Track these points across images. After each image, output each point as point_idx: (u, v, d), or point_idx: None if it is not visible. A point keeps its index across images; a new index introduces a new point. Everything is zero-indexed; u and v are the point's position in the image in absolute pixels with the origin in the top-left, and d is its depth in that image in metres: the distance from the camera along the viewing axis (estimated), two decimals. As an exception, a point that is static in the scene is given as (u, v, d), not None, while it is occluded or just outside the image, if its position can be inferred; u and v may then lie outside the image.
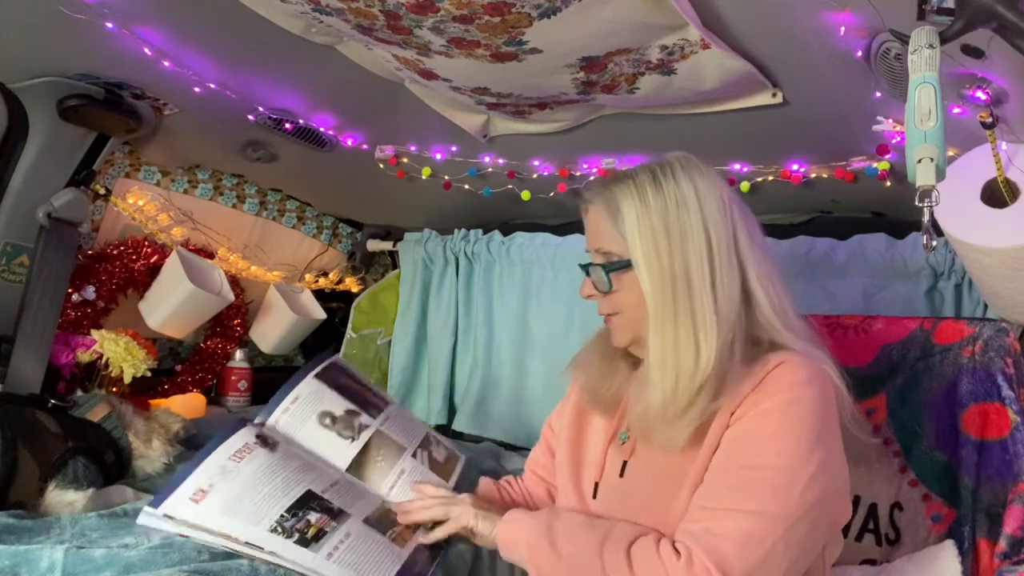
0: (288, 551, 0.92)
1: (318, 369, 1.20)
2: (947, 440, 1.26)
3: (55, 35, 1.37)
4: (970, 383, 1.26)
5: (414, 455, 1.18)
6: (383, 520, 1.03)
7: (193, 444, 1.84)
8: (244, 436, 1.05)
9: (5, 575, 0.99)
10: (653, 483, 0.99)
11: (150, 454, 1.62)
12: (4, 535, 1.12)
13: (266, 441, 1.05)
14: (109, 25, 1.31)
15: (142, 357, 1.81)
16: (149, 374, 1.84)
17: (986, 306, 1.55)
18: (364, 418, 1.17)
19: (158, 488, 1.57)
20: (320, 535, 0.94)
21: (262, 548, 0.92)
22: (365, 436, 1.14)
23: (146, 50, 1.40)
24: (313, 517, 0.96)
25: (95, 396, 1.64)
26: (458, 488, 1.20)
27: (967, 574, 1.15)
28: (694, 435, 0.93)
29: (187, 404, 2.04)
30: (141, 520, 0.97)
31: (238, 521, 0.94)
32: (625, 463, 1.03)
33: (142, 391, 1.97)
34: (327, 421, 1.13)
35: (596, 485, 1.06)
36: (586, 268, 1.05)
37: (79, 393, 1.69)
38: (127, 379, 1.80)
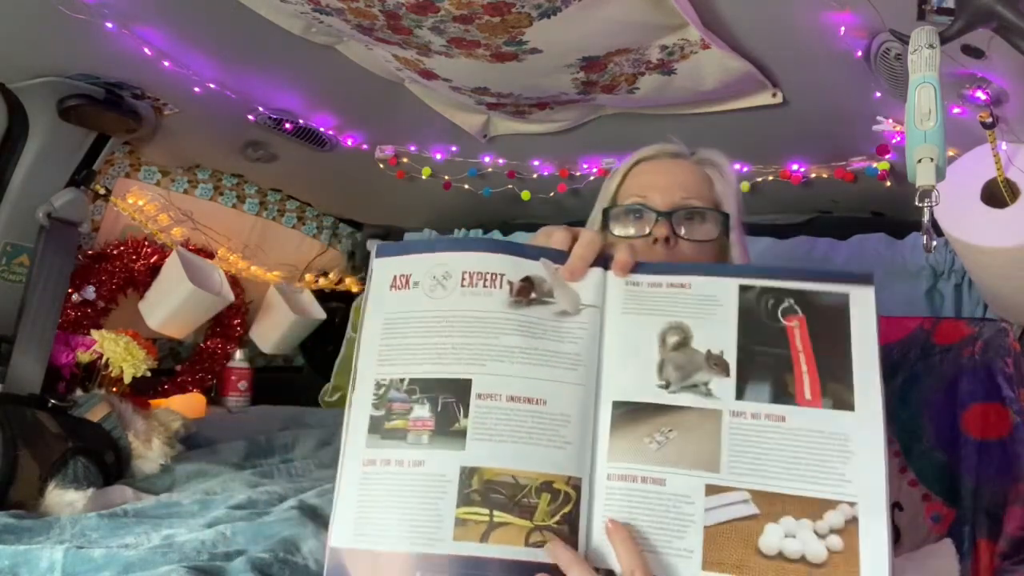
0: (354, 417, 0.66)
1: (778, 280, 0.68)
2: (947, 440, 1.26)
3: (55, 35, 1.36)
4: (970, 383, 1.26)
5: (722, 491, 0.61)
6: (490, 490, 0.62)
7: (193, 444, 1.84)
8: (512, 264, 0.68)
9: (5, 575, 0.99)
10: None
11: (150, 454, 1.62)
12: (4, 535, 1.12)
13: (528, 291, 0.68)
14: (109, 25, 1.31)
15: (142, 357, 1.81)
16: (149, 374, 1.84)
17: (986, 306, 1.55)
18: (723, 384, 0.65)
19: (158, 488, 1.58)
20: (392, 435, 0.64)
21: (355, 390, 0.66)
22: (685, 400, 0.64)
23: (146, 50, 1.40)
24: (419, 412, 0.64)
25: (95, 396, 1.64)
26: None
27: (967, 574, 1.15)
28: None
29: (187, 404, 2.04)
30: (373, 251, 0.72)
31: (371, 338, 0.68)
32: None
33: (142, 391, 1.97)
34: (673, 339, 0.67)
35: None
36: (684, 213, 0.95)
37: (79, 393, 1.69)
38: (127, 379, 1.80)
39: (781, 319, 0.67)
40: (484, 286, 0.67)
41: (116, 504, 1.40)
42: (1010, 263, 1.16)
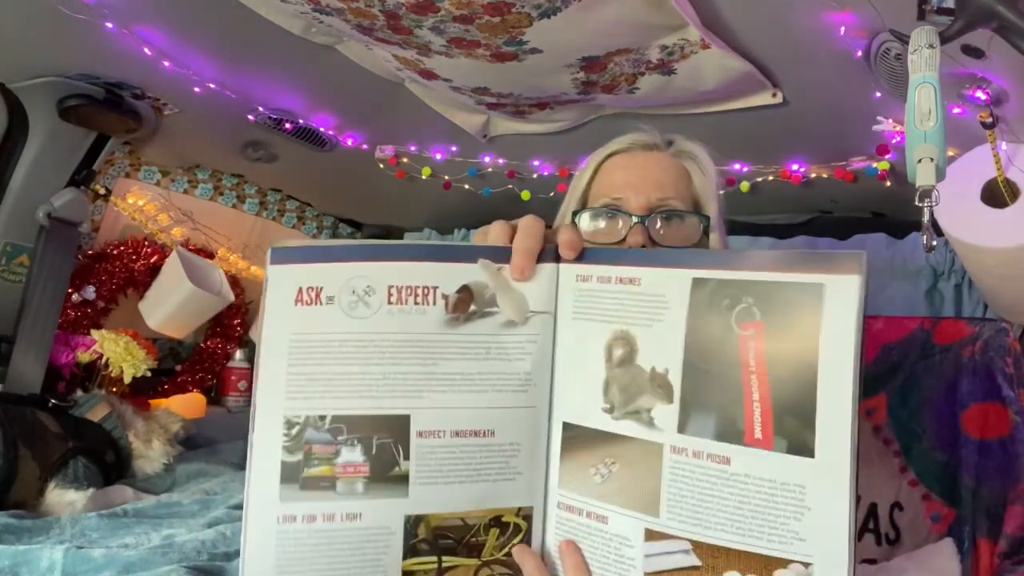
0: (258, 464, 0.55)
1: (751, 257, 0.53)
2: (947, 440, 1.26)
3: (55, 35, 1.36)
4: (970, 383, 1.25)
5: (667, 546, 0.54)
6: (439, 537, 0.56)
7: (193, 444, 1.84)
8: (445, 273, 0.59)
9: (5, 575, 1.00)
10: None
11: (150, 454, 1.62)
12: (4, 535, 1.12)
13: (467, 304, 0.59)
14: (109, 25, 1.31)
15: (142, 357, 1.81)
16: (149, 374, 1.84)
17: (986, 306, 1.55)
18: (666, 412, 0.54)
19: (158, 488, 1.58)
20: (315, 484, 0.55)
21: (255, 430, 0.56)
22: (628, 429, 0.56)
23: (146, 50, 1.40)
24: (349, 456, 0.56)
25: (95, 396, 1.65)
26: None
27: (967, 573, 1.15)
28: None
29: (187, 404, 2.05)
30: (270, 254, 0.59)
31: (273, 365, 0.57)
32: None
33: (142, 391, 1.97)
34: (618, 352, 0.57)
35: None
36: (661, 214, 0.87)
37: (79, 393, 1.69)
38: (127, 379, 1.80)
39: (735, 326, 0.52)
40: (416, 303, 0.58)
41: (116, 504, 1.40)
42: (1010, 263, 1.16)
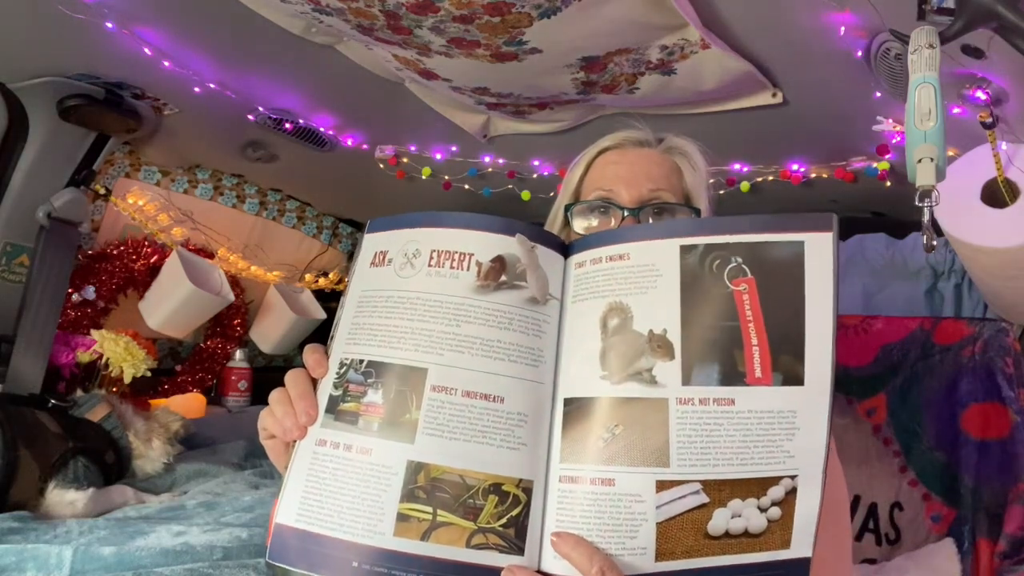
0: (318, 395, 0.63)
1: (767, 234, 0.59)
2: (947, 440, 1.27)
3: (55, 35, 1.36)
4: (970, 383, 1.26)
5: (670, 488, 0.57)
6: (436, 489, 0.58)
7: (193, 444, 1.84)
8: (483, 242, 0.62)
9: (12, 571, 1.00)
10: None
11: (150, 454, 1.62)
12: (10, 535, 1.12)
13: (498, 274, 0.62)
14: (109, 25, 1.31)
15: (142, 357, 1.81)
16: (149, 374, 1.84)
17: (986, 306, 1.55)
18: (667, 369, 0.58)
19: (159, 488, 1.58)
20: (345, 417, 0.61)
21: (329, 355, 0.66)
22: (629, 391, 0.58)
23: (146, 50, 1.40)
24: (373, 397, 0.61)
25: (95, 396, 1.65)
26: None
27: (967, 573, 1.15)
28: None
29: (187, 404, 2.05)
30: (367, 226, 0.68)
31: (345, 316, 0.65)
32: None
33: (142, 391, 1.98)
34: (613, 322, 0.60)
35: None
36: (652, 208, 0.88)
37: (79, 393, 1.69)
38: (127, 379, 1.80)
39: (728, 283, 0.58)
40: (451, 267, 0.62)
41: (117, 504, 1.40)
42: (1010, 263, 1.16)
